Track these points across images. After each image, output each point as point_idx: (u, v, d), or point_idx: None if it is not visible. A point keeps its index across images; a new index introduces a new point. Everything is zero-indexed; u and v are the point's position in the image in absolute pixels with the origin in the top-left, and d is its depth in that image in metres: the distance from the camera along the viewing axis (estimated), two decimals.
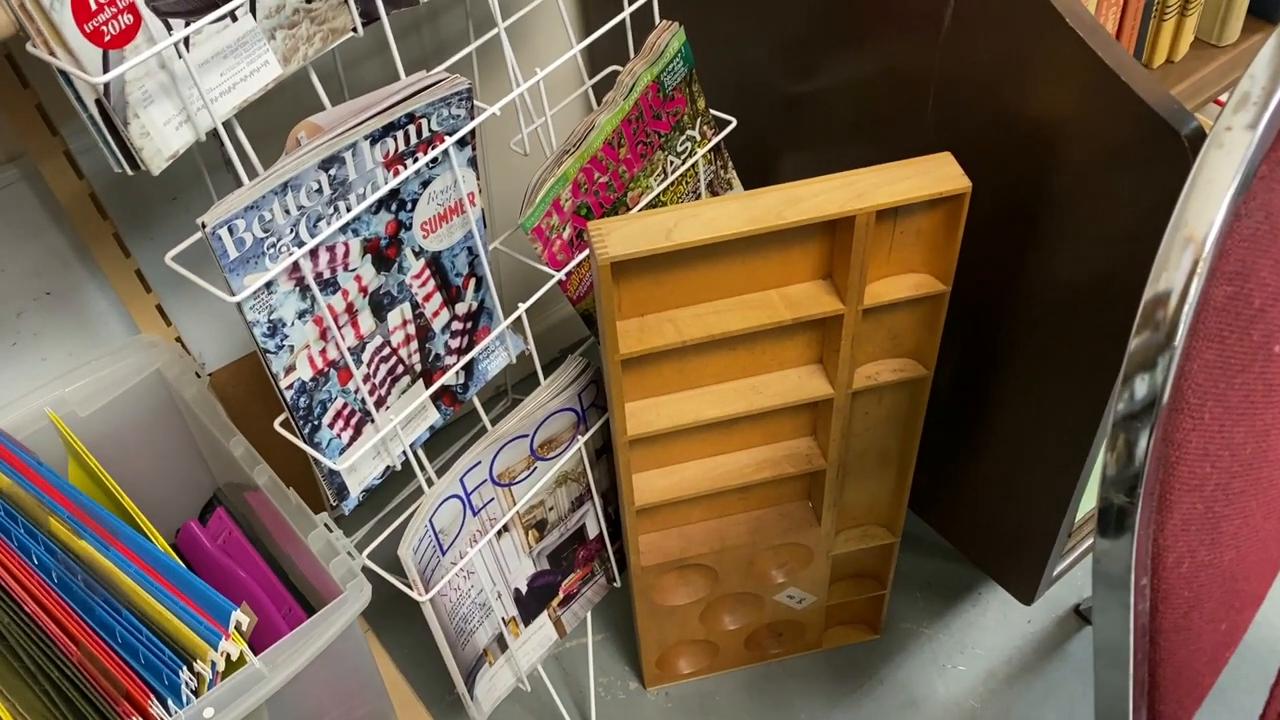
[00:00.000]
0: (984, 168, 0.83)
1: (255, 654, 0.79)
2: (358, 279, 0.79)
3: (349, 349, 0.81)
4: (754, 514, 1.07)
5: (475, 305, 0.90)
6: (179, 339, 1.05)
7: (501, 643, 1.03)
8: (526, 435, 0.93)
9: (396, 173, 0.77)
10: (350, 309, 0.80)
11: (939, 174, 0.80)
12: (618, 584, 1.13)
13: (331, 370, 0.80)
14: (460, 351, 0.91)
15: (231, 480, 1.04)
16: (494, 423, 0.95)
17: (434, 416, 0.91)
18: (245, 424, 0.95)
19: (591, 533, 1.07)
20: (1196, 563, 0.57)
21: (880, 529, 1.12)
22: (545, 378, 0.95)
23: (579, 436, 0.97)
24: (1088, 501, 1.01)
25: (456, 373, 0.91)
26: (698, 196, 1.03)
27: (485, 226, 0.87)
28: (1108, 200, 0.78)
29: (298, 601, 0.97)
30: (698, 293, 0.85)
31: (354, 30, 0.77)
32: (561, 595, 1.09)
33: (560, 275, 0.90)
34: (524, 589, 1.03)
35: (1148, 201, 0.75)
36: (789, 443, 1.00)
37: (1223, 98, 1.03)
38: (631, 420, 0.90)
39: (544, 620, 1.08)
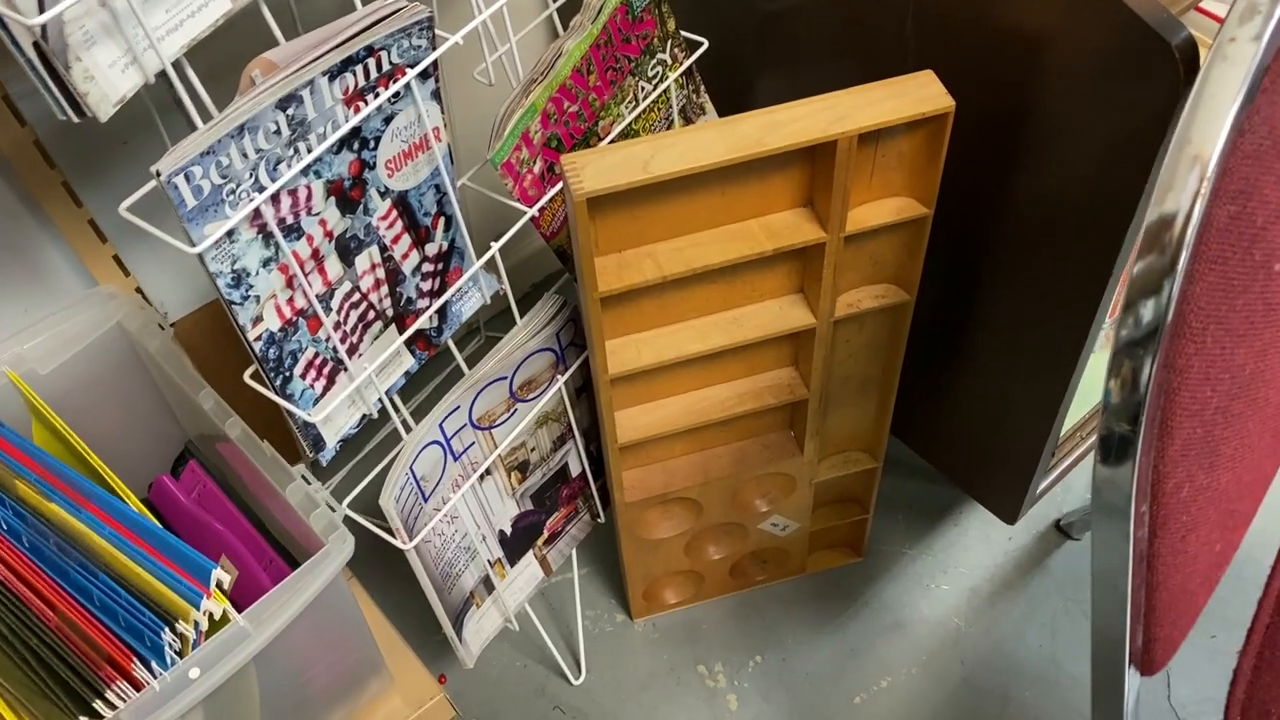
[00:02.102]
0: (966, 84, 0.80)
1: (238, 610, 0.78)
2: (322, 223, 0.76)
3: (317, 296, 0.78)
4: (737, 445, 1.06)
5: (445, 245, 0.88)
6: (139, 289, 1.01)
7: (488, 584, 1.02)
8: (505, 377, 0.91)
9: (357, 109, 0.73)
10: (316, 254, 0.77)
11: (921, 94, 0.77)
12: (602, 520, 1.12)
13: (300, 319, 0.77)
14: (432, 294, 0.88)
15: (203, 432, 1.01)
16: (469, 363, 0.93)
17: (409, 362, 0.88)
18: (213, 373, 0.92)
19: (574, 471, 1.05)
20: (1195, 486, 0.56)
21: (862, 454, 1.12)
22: (521, 316, 0.93)
23: (559, 376, 0.95)
24: (1071, 418, 1.01)
25: (430, 316, 0.89)
26: (670, 124, 1.00)
27: (452, 162, 0.84)
28: (1094, 115, 0.76)
29: (278, 553, 0.95)
30: (676, 225, 0.83)
31: None
32: (546, 534, 1.08)
33: (532, 211, 0.87)
34: (508, 530, 1.02)
35: (1137, 115, 0.73)
36: (770, 373, 0.99)
37: (1206, 4, 1.01)
38: (612, 359, 0.89)
39: (529, 560, 1.08)
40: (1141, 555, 0.57)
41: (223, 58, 0.83)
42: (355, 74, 0.72)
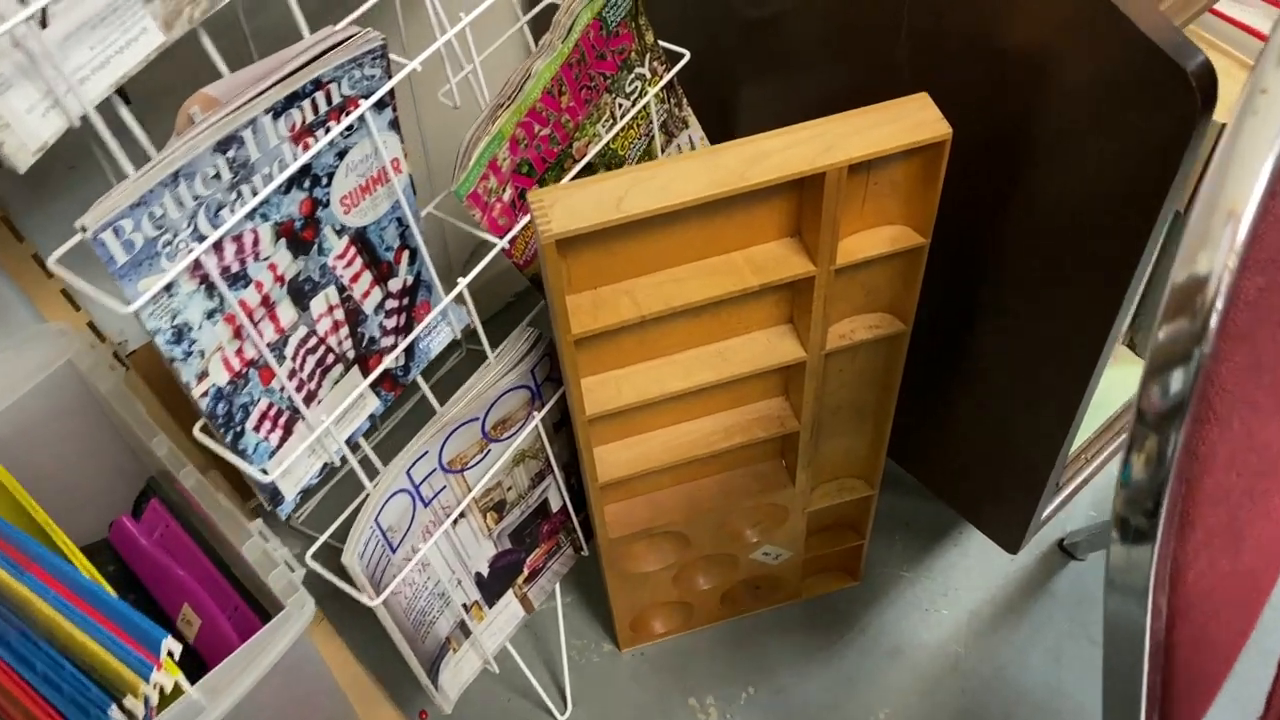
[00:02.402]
0: (964, 106, 0.75)
1: (200, 666, 0.73)
2: (272, 268, 0.71)
3: (269, 345, 0.73)
4: (725, 475, 1.01)
5: (410, 280, 0.82)
6: (91, 324, 0.96)
7: (464, 629, 0.98)
8: (477, 419, 0.86)
9: (306, 146, 0.68)
10: (266, 301, 0.71)
11: (916, 119, 0.72)
12: (586, 553, 1.08)
13: (251, 370, 0.72)
14: (398, 331, 0.83)
15: (164, 468, 0.96)
16: (448, 382, 0.88)
17: (373, 404, 0.83)
18: (178, 406, 0.86)
19: (555, 506, 1.01)
20: (1218, 573, 0.51)
21: (858, 481, 1.07)
22: (492, 351, 0.88)
23: (535, 413, 0.90)
24: (1078, 438, 0.96)
25: (396, 355, 0.83)
26: (651, 140, 0.94)
27: (415, 192, 0.79)
28: (1101, 142, 0.70)
29: (244, 598, 0.90)
30: (655, 259, 0.77)
31: None
32: (527, 572, 1.03)
33: (503, 244, 0.82)
34: (486, 571, 0.97)
35: (1148, 144, 0.67)
36: (759, 404, 0.94)
37: (1221, 8, 0.95)
38: (589, 398, 0.83)
39: (509, 599, 1.03)
40: (1159, 645, 0.52)
41: (163, 84, 0.77)
42: (302, 109, 0.66)
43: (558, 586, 1.14)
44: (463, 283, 0.81)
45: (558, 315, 0.75)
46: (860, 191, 0.76)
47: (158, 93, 0.71)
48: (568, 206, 0.69)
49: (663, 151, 0.96)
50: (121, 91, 0.65)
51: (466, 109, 0.84)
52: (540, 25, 0.86)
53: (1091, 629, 1.18)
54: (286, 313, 0.73)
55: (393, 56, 0.72)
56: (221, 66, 0.70)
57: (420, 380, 0.88)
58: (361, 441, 0.85)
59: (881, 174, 0.75)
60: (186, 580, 0.90)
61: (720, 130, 0.99)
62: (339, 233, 0.74)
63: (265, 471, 0.76)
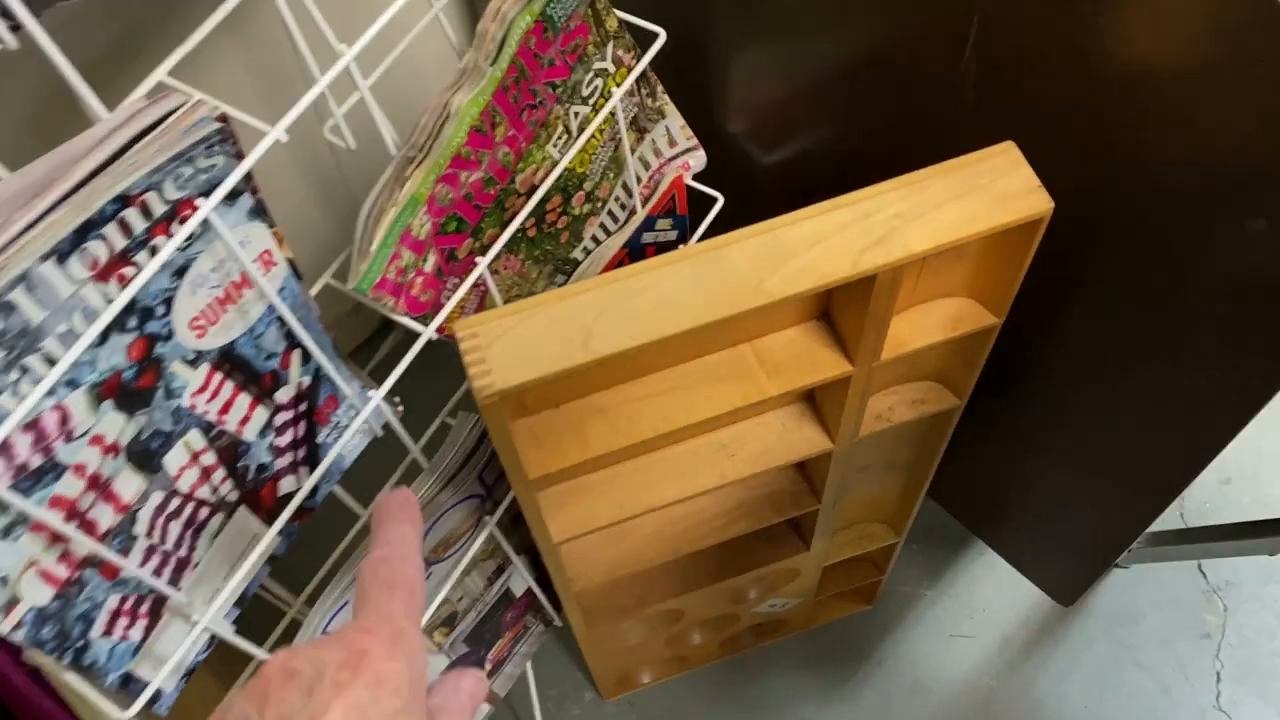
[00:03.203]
0: (1051, 150, 0.54)
1: None
2: (97, 440, 0.50)
3: (108, 532, 0.52)
4: (727, 545, 0.83)
5: (307, 381, 0.61)
6: None
7: None
8: None
9: (124, 281, 0.46)
10: (96, 483, 0.51)
11: (1001, 186, 0.50)
12: (559, 625, 0.90)
13: (88, 570, 0.52)
14: (296, 446, 0.63)
15: None
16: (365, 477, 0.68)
17: (275, 545, 0.63)
18: None
19: (519, 591, 0.82)
20: None
21: (882, 527, 0.90)
22: (425, 456, 0.68)
23: (487, 518, 0.71)
24: None
25: (297, 475, 0.63)
26: (618, 145, 0.72)
27: (300, 277, 0.57)
28: (1238, 230, 0.50)
29: None
30: (636, 364, 0.57)
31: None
32: (489, 667, 0.86)
33: (429, 332, 0.61)
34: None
35: None
36: (769, 478, 0.75)
37: None
38: (556, 523, 0.65)
39: None
40: None
41: None
42: (106, 238, 0.44)
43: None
44: (376, 396, 0.60)
45: (508, 461, 0.55)
46: (915, 269, 0.56)
47: None
48: (513, 345, 0.48)
49: (633, 154, 0.74)
50: None
51: (368, 148, 0.62)
52: (462, 15, 0.62)
53: (1138, 652, 1.03)
54: (129, 484, 0.53)
55: (247, 120, 0.49)
56: None
57: (341, 492, 0.68)
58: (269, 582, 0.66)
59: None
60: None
61: (705, 122, 0.77)
62: (193, 363, 0.53)
63: (129, 678, 0.57)
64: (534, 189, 0.66)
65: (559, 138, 0.66)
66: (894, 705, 1.02)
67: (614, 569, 0.73)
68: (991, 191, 0.50)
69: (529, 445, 0.56)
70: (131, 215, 0.45)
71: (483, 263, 0.63)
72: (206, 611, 0.58)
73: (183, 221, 0.47)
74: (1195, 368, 0.60)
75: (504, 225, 0.65)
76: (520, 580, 0.82)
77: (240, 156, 0.48)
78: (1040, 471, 0.79)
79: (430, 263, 0.61)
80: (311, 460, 0.65)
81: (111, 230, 0.44)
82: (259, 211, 0.52)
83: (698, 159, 0.79)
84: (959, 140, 0.52)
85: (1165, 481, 0.67)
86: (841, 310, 0.57)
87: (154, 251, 0.47)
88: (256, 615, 0.65)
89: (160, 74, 0.51)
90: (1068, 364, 0.68)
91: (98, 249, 0.44)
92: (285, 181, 0.96)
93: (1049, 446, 0.75)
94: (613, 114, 0.68)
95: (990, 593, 1.08)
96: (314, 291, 0.61)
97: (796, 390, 0.57)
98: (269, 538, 0.61)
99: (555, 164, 0.66)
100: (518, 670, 0.90)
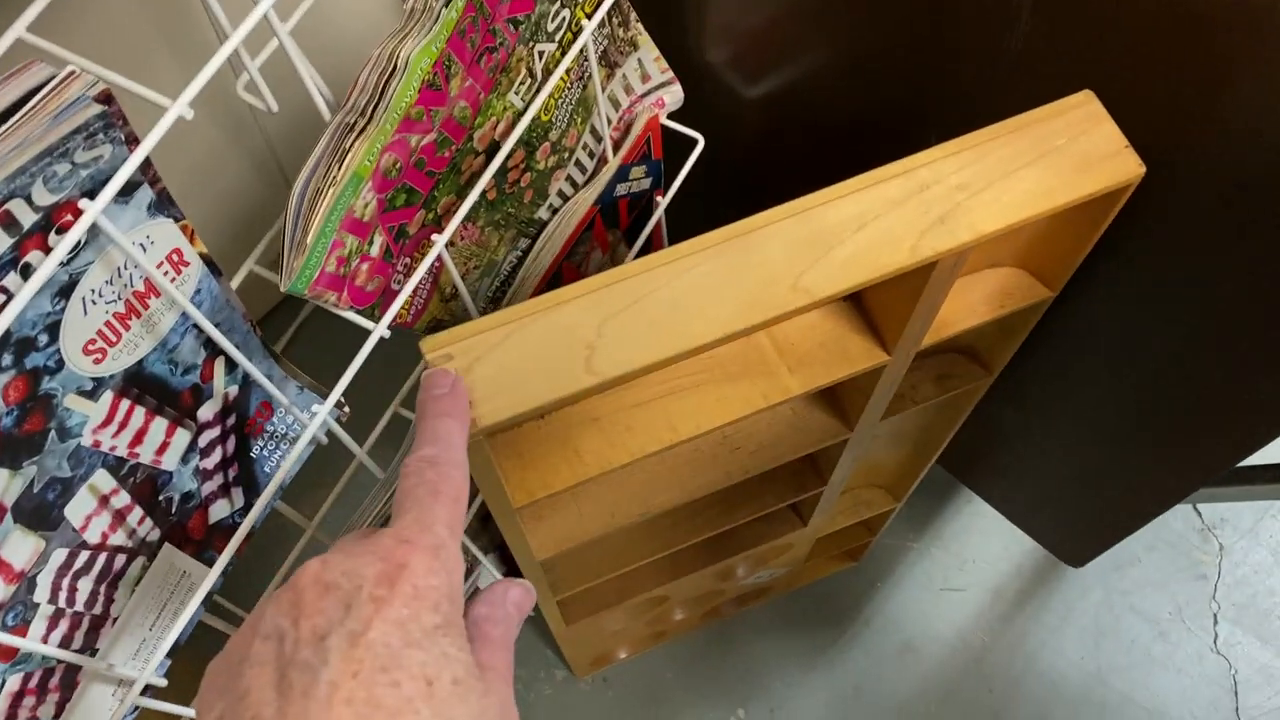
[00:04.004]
0: (1125, 97, 0.45)
1: None
2: None
3: (0, 605, 0.42)
4: (718, 530, 0.76)
5: (234, 391, 0.51)
6: None
7: None
8: None
9: None
10: None
11: (1083, 148, 0.42)
12: (531, 614, 0.82)
13: None
14: (226, 465, 0.53)
15: None
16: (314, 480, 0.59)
17: (212, 580, 0.54)
18: None
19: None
20: None
21: (879, 492, 0.83)
22: (366, 456, 0.58)
23: None
24: None
25: (230, 498, 0.54)
26: (586, 85, 0.61)
27: (219, 273, 0.47)
28: None
29: None
30: None
31: None
32: None
33: (380, 330, 0.51)
34: None
35: None
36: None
37: None
38: (537, 539, 0.56)
39: None
40: None
41: None
42: None
43: None
44: (323, 409, 0.50)
45: (489, 492, 0.46)
46: None
47: None
48: (497, 368, 0.39)
49: (603, 91, 0.63)
50: None
51: (295, 109, 0.50)
52: None
53: (1133, 598, 0.99)
54: (21, 549, 0.43)
55: (142, 93, 0.38)
56: None
57: (284, 506, 0.58)
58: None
59: None
60: None
61: (677, 50, 0.66)
62: (91, 394, 0.43)
63: None
64: (495, 146, 0.55)
65: (521, 83, 0.55)
66: (884, 668, 0.97)
67: (600, 572, 0.65)
68: (1070, 154, 0.41)
69: (512, 464, 0.47)
70: None
71: (440, 240, 0.52)
72: (145, 670, 0.49)
73: (62, 231, 0.36)
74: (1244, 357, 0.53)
75: (461, 191, 0.54)
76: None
77: (133, 141, 0.37)
78: (1063, 448, 0.72)
79: (376, 245, 0.51)
80: (245, 477, 0.55)
81: None
82: (162, 204, 0.41)
83: (674, 95, 0.68)
84: (1002, 73, 0.43)
85: (1212, 461, 0.61)
86: (878, 293, 0.48)
87: (26, 272, 0.36)
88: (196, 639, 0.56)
89: (18, 30, 0.39)
90: (1118, 336, 0.60)
91: None
92: (195, 153, 0.81)
93: (1079, 425, 0.68)
94: (583, 51, 0.57)
95: (980, 542, 1.02)
96: (236, 284, 0.50)
97: (821, 385, 0.49)
98: (210, 579, 0.51)
99: (518, 115, 0.55)
100: None
